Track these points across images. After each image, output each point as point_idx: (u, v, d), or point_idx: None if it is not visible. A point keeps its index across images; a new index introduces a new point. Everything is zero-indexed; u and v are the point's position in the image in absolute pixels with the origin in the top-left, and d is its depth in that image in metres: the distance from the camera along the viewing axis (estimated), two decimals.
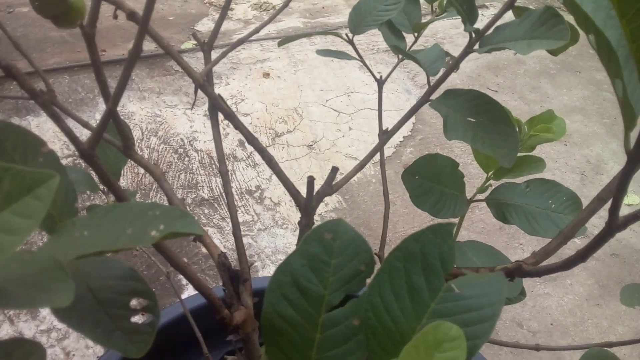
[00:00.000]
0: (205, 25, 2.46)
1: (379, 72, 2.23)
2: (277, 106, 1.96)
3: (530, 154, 0.69)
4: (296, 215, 1.57)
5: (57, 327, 1.21)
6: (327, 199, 1.63)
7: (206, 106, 1.89)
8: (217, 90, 1.99)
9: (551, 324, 1.32)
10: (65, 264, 0.26)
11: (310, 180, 0.52)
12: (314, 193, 0.55)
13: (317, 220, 1.57)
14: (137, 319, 0.30)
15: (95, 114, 1.79)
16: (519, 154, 0.69)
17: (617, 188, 0.31)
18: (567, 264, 0.43)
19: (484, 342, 0.27)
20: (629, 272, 1.46)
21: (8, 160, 0.32)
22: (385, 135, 0.59)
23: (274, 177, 1.68)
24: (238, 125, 0.54)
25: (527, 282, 1.41)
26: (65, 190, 0.34)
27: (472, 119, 0.51)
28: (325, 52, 0.63)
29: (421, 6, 0.71)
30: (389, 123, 1.93)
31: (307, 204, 0.54)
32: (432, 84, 0.56)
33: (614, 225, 0.34)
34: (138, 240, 0.27)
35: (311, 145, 1.82)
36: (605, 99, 2.22)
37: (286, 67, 2.17)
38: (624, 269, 1.47)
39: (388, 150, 1.84)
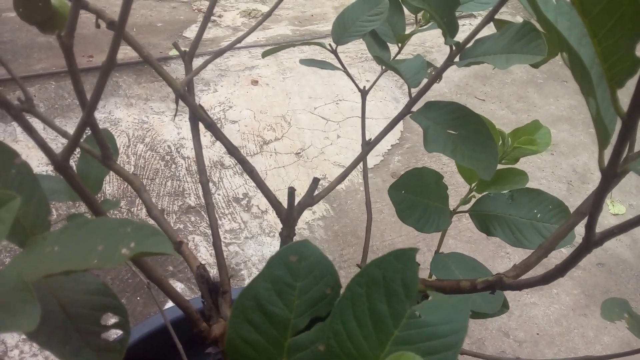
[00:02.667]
0: (193, 32, 2.45)
1: (367, 80, 2.24)
2: (265, 114, 1.95)
3: (515, 166, 0.69)
4: None
5: None
6: (315, 207, 1.63)
7: None
8: (205, 97, 1.98)
9: (537, 334, 1.32)
10: (32, 282, 0.26)
11: (291, 191, 0.52)
12: (296, 204, 0.55)
13: (305, 228, 1.56)
14: (108, 335, 0.30)
15: None
16: (503, 166, 0.69)
17: (593, 205, 0.31)
18: (546, 278, 0.43)
19: None
20: (615, 282, 1.47)
21: None
22: (367, 147, 0.59)
23: None
24: (219, 136, 0.53)
25: (513, 292, 1.41)
26: (38, 203, 0.33)
27: (452, 132, 0.51)
28: (308, 62, 0.63)
29: (406, 17, 0.71)
30: (376, 131, 1.93)
31: (288, 215, 0.54)
32: (414, 95, 0.56)
33: (591, 241, 0.34)
34: (109, 259, 0.26)
35: (299, 153, 1.82)
36: None
37: (275, 74, 2.17)
38: (610, 278, 1.48)
39: (376, 158, 1.84)
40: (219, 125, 1.85)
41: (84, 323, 0.30)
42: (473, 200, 0.69)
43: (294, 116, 1.97)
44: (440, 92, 2.31)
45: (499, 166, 0.68)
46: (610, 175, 0.28)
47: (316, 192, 0.58)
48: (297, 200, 0.55)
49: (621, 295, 1.44)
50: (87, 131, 0.46)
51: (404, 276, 0.28)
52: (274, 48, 0.65)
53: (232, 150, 0.53)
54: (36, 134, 0.34)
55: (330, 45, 0.66)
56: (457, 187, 1.72)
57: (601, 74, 0.26)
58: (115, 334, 0.31)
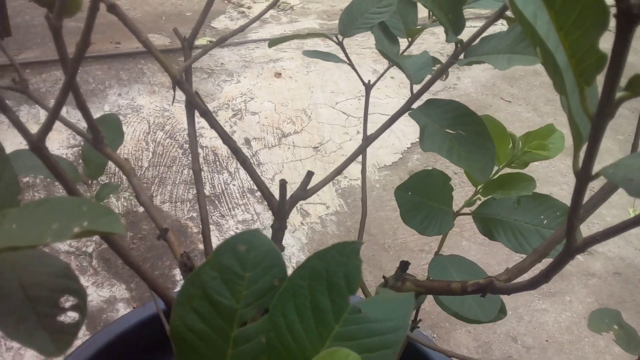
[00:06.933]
0: (221, 23, 2.46)
1: (391, 77, 2.22)
2: (286, 106, 1.95)
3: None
4: (296, 216, 1.56)
5: None
6: (328, 201, 1.62)
7: (214, 103, 1.90)
8: (228, 87, 1.99)
9: (546, 341, 1.29)
10: None
11: (283, 184, 0.51)
12: (288, 197, 0.54)
13: (317, 223, 1.56)
14: (63, 317, 0.29)
15: (104, 105, 1.80)
16: (511, 171, 0.66)
17: (570, 210, 0.30)
18: (532, 284, 0.42)
19: None
20: (630, 292, 1.43)
21: None
22: (366, 142, 0.58)
23: (277, 177, 1.67)
24: (213, 124, 0.53)
25: (524, 297, 1.38)
26: (8, 183, 0.33)
27: (450, 131, 0.49)
28: (312, 54, 0.62)
29: (419, 10, 0.69)
30: (397, 128, 1.91)
31: (279, 208, 0.53)
32: (415, 92, 0.55)
33: (572, 247, 0.33)
34: (61, 236, 0.26)
35: (317, 147, 1.81)
36: (621, 115, 2.18)
37: (299, 67, 2.17)
38: (625, 288, 1.44)
39: (394, 156, 1.82)
40: (239, 117, 1.86)
41: (42, 305, 0.30)
42: (478, 203, 0.68)
43: (314, 110, 1.96)
44: (465, 91, 2.27)
45: (508, 170, 0.67)
46: (585, 179, 0.26)
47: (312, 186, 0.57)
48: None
49: (637, 307, 1.40)
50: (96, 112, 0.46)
51: (346, 270, 0.27)
52: (279, 39, 0.64)
53: (226, 139, 0.53)
54: (11, 113, 0.33)
55: (337, 37, 0.64)
56: (468, 186, 1.69)
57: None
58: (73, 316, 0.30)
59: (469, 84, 2.32)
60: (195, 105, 0.52)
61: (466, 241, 1.55)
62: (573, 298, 1.39)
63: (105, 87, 1.88)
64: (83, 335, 1.23)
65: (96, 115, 1.76)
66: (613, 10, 0.19)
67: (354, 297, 0.79)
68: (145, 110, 1.82)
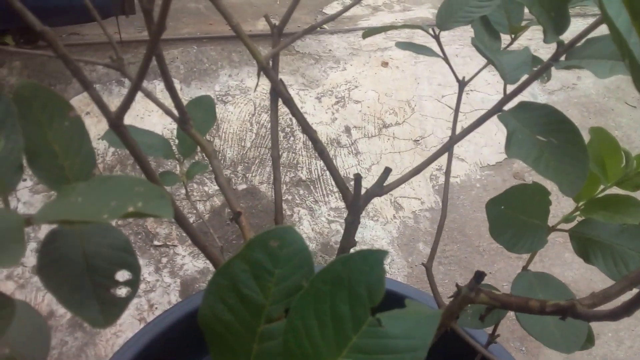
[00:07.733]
0: (334, 9, 2.47)
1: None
2: (390, 97, 1.92)
3: (632, 194, 0.60)
4: (389, 209, 1.54)
5: (146, 280, 1.30)
6: (424, 197, 1.58)
7: (318, 89, 1.91)
8: (334, 74, 1.99)
9: None
10: (65, 231, 0.27)
11: (358, 179, 0.50)
12: (363, 192, 0.53)
13: (410, 217, 1.53)
14: (115, 290, 0.31)
15: (215, 85, 1.88)
16: (620, 192, 0.60)
17: None
18: (613, 315, 0.38)
19: None
20: None
21: (33, 120, 0.34)
22: (451, 141, 0.56)
23: (374, 168, 1.66)
24: (294, 112, 0.53)
25: (626, 320, 1.27)
26: (85, 157, 0.35)
27: (541, 138, 0.46)
28: (404, 45, 0.60)
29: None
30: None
31: (354, 203, 0.52)
32: (508, 93, 0.52)
33: None
34: (116, 214, 0.27)
35: (418, 140, 1.77)
36: None
37: (406, 57, 2.13)
38: None
39: (499, 155, 1.74)
40: (341, 104, 1.86)
41: (99, 276, 0.31)
42: (578, 220, 0.62)
43: (419, 102, 1.92)
44: (585, 92, 2.12)
45: (616, 190, 0.60)
46: None
47: (386, 182, 0.55)
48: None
49: None
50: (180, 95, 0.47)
51: (369, 279, 0.26)
52: (373, 29, 0.63)
53: (306, 127, 0.52)
54: (92, 89, 0.35)
55: (433, 30, 0.62)
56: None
57: None
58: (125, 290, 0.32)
59: (590, 85, 2.16)
60: (279, 92, 0.53)
61: (569, 253, 1.45)
62: None
63: (217, 68, 1.96)
64: (176, 301, 1.31)
65: (208, 93, 1.82)
66: None
67: (423, 296, 0.76)
68: (252, 92, 1.87)
